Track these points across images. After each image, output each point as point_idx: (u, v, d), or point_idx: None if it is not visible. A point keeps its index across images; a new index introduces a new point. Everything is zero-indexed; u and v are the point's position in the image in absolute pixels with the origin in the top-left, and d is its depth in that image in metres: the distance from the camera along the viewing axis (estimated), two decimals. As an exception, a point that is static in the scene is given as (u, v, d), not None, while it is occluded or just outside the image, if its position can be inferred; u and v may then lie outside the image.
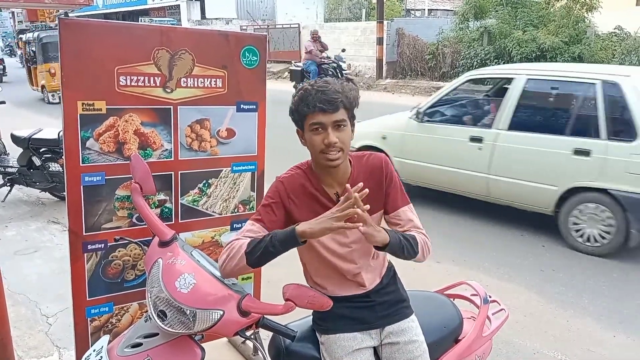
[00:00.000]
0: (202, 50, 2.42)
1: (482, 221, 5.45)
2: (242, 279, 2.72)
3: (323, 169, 1.79)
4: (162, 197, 2.47)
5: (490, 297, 2.33)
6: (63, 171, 2.81)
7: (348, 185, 1.54)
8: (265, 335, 2.11)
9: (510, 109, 5.06)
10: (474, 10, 16.01)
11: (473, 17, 16.41)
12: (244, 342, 3.02)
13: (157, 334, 1.70)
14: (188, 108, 2.43)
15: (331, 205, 1.74)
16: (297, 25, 21.89)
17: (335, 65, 13.95)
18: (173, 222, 2.50)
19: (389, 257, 2.01)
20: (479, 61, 15.00)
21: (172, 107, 2.39)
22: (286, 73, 17.89)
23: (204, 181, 2.57)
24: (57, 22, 2.19)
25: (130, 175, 2.18)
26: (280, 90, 11.85)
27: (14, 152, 6.19)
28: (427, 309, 2.09)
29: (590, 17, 14.04)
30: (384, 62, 17.80)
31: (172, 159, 2.45)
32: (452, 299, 2.28)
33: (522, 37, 14.17)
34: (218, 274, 1.74)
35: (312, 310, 1.85)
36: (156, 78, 2.32)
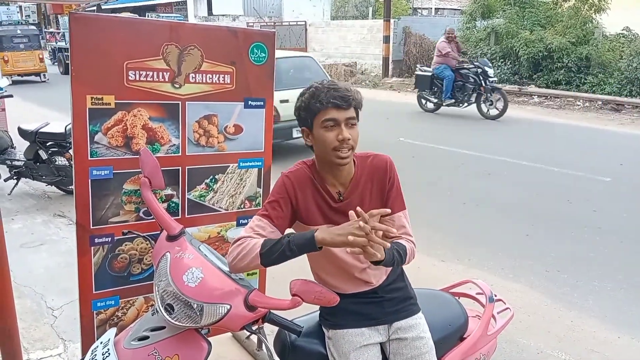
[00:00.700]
0: (210, 46, 2.42)
1: (487, 220, 5.44)
2: (248, 274, 2.73)
3: (328, 168, 1.80)
4: (169, 192, 2.48)
5: (495, 296, 2.33)
6: (69, 165, 2.83)
7: (360, 210, 1.51)
8: (270, 331, 2.12)
9: None
10: (482, 9, 15.97)
11: (480, 17, 16.37)
12: (248, 337, 3.04)
13: (163, 328, 1.71)
14: (196, 104, 2.44)
15: (334, 204, 1.77)
16: (303, 23, 21.86)
17: (478, 70, 10.82)
18: (180, 217, 2.51)
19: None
20: (485, 61, 15.04)
21: (180, 102, 2.40)
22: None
23: (211, 177, 2.58)
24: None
25: (138, 170, 2.19)
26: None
27: (21, 145, 6.21)
28: (433, 306, 2.09)
29: (598, 18, 13.98)
30: (390, 61, 17.79)
31: (180, 154, 2.46)
32: (457, 298, 2.29)
33: (529, 37, 14.13)
34: (226, 268, 1.75)
35: (319, 306, 1.86)
36: (165, 73, 2.33)
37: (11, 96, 6.59)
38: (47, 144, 5.96)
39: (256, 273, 2.83)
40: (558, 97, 13.08)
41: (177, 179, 2.49)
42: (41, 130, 5.89)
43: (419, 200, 5.35)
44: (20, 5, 34.83)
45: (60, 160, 5.93)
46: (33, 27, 20.20)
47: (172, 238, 1.86)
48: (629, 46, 13.58)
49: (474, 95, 10.85)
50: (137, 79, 2.27)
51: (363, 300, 1.88)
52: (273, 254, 1.61)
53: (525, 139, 9.15)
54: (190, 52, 2.36)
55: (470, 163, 7.58)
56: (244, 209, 2.70)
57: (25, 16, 36.38)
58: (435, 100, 11.35)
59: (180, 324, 1.65)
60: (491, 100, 10.64)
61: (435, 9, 31.15)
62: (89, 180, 2.26)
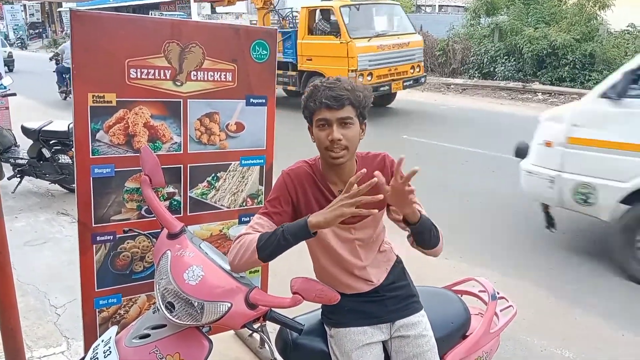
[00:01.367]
0: (212, 43, 2.42)
1: (491, 218, 5.43)
2: (250, 272, 2.73)
3: (329, 166, 1.79)
4: (171, 189, 2.47)
5: (498, 293, 2.32)
6: (72, 163, 2.83)
7: (352, 179, 1.53)
8: (272, 329, 2.12)
9: None
10: (486, 6, 15.90)
11: (484, 14, 16.30)
12: (251, 335, 3.04)
13: (164, 326, 1.71)
14: (198, 101, 2.44)
15: None
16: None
17: None
18: (182, 214, 2.51)
19: (397, 252, 2.01)
20: (489, 58, 15.00)
21: (181, 100, 2.40)
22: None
23: (213, 174, 2.58)
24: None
25: (140, 168, 2.19)
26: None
27: (24, 143, 6.23)
28: (435, 304, 2.08)
29: (603, 15, 13.90)
30: (394, 58, 17.71)
31: (182, 152, 2.46)
32: (459, 295, 2.28)
33: (533, 34, 14.05)
34: (226, 266, 1.74)
35: (321, 304, 1.85)
36: (166, 71, 2.32)
37: (14, 94, 6.61)
38: (51, 142, 5.98)
39: (258, 271, 2.82)
40: (562, 94, 13.00)
41: (179, 177, 2.49)
42: (44, 128, 5.90)
43: (421, 199, 5.32)
44: (24, 4, 34.90)
45: (64, 159, 5.95)
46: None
47: (172, 236, 1.85)
48: (633, 43, 13.49)
49: None
50: (139, 76, 2.27)
51: (365, 299, 1.87)
52: (269, 246, 1.60)
53: (531, 137, 9.08)
54: (191, 49, 2.36)
55: (475, 160, 7.55)
56: (246, 207, 2.70)
57: (30, 14, 36.49)
58: None
59: (181, 322, 1.65)
60: None
61: (439, 5, 31.05)
62: (91, 179, 2.26)
